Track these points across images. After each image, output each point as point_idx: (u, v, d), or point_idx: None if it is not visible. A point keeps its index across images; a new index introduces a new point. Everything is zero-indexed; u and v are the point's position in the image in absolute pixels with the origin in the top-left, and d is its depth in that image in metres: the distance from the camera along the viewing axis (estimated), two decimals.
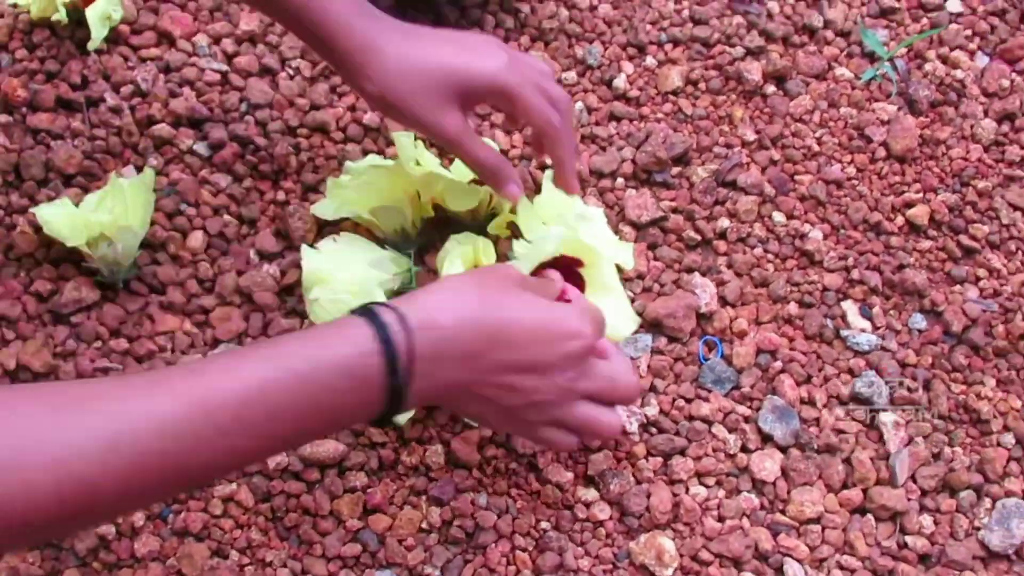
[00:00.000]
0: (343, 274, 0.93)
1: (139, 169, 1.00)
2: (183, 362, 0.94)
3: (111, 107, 1.02)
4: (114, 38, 1.05)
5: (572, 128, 0.89)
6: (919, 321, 1.01)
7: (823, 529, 0.93)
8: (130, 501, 0.63)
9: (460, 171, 0.98)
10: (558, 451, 0.90)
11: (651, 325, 0.98)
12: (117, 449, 0.58)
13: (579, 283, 0.90)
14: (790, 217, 1.04)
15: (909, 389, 0.98)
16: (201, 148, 1.02)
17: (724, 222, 1.02)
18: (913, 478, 0.96)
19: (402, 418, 0.91)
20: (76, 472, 0.57)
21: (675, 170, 1.04)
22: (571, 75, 1.07)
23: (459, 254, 0.91)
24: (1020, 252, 1.04)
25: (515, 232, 0.94)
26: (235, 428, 0.62)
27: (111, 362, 0.94)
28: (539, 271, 0.88)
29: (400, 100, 0.83)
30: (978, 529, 0.95)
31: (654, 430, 0.95)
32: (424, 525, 0.92)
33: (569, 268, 0.90)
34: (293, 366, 0.65)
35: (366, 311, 0.69)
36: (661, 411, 0.96)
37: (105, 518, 0.60)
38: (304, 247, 0.94)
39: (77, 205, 0.95)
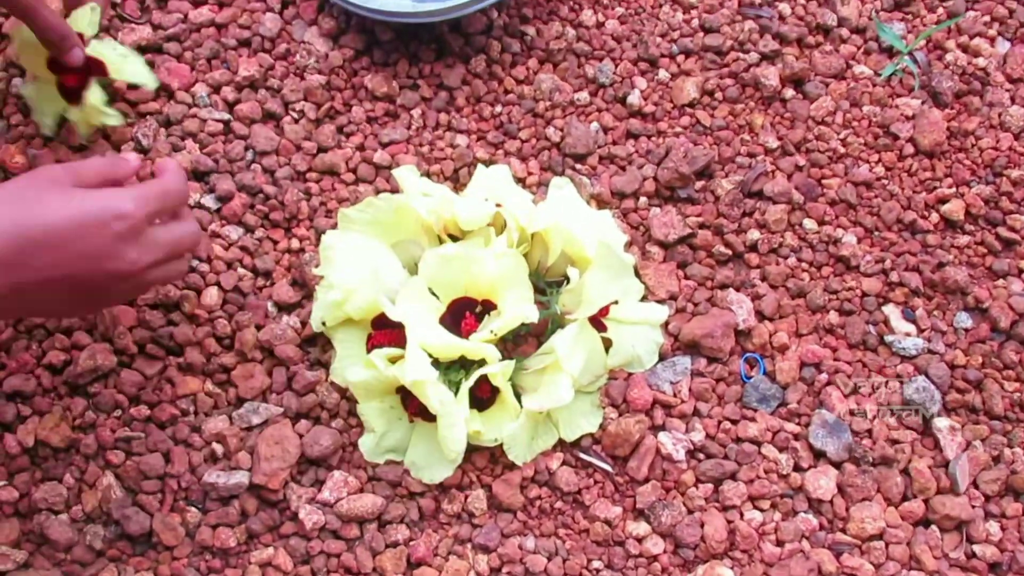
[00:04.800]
0: (350, 264, 0.91)
1: None
2: (207, 426, 0.91)
3: None
4: (111, 94, 1.01)
5: None
6: (965, 320, 0.98)
7: (887, 545, 0.90)
8: None
9: (470, 195, 0.96)
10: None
11: (688, 347, 0.95)
12: None
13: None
14: (821, 223, 1.00)
15: (961, 391, 0.94)
16: (209, 201, 0.98)
17: (754, 234, 0.99)
18: (975, 484, 0.92)
19: (440, 474, 0.89)
20: None
21: (699, 184, 1.01)
22: (583, 95, 1.04)
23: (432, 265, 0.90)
24: None
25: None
26: None
27: (133, 431, 0.90)
28: None
29: None
30: None
31: (702, 455, 0.92)
32: (472, 575, 0.88)
33: None
34: None
35: None
36: (707, 435, 0.92)
37: None
38: (329, 231, 0.95)
39: None
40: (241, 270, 0.97)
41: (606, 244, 0.92)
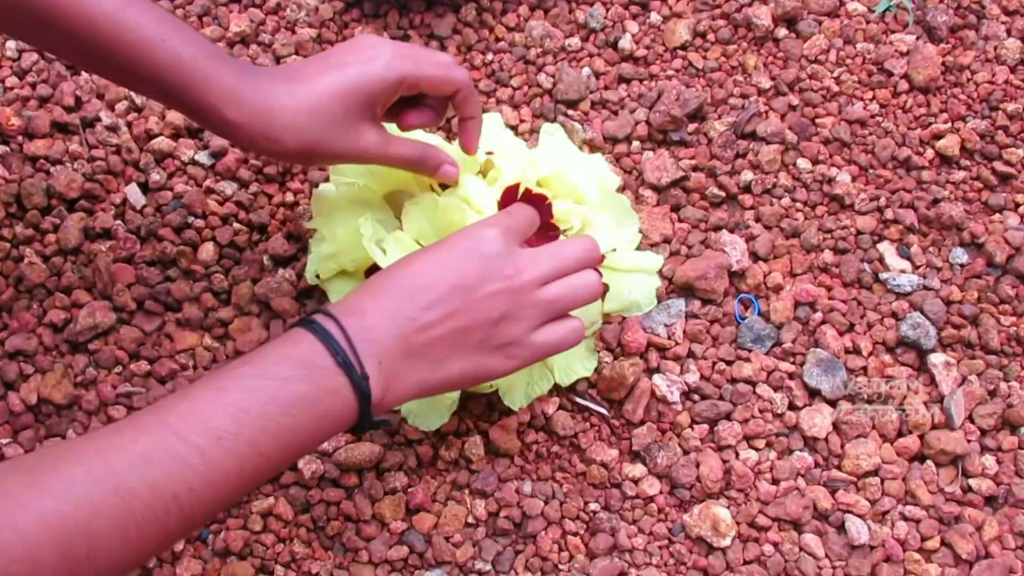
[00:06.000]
0: (343, 215, 0.91)
1: (143, 186, 0.97)
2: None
3: (107, 125, 0.99)
4: None
5: (476, 94, 0.85)
6: (960, 255, 0.97)
7: (882, 481, 0.90)
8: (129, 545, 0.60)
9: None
10: (564, 348, 0.80)
11: (683, 289, 0.95)
12: (104, 494, 0.57)
13: (549, 219, 0.89)
14: (815, 162, 1.00)
15: (956, 327, 0.94)
16: (203, 157, 0.99)
17: (747, 175, 0.98)
18: (970, 418, 0.92)
19: (436, 421, 0.90)
20: (70, 519, 0.56)
21: (691, 127, 1.01)
22: (575, 41, 1.03)
23: (415, 217, 0.89)
24: None
25: None
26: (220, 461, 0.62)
27: (133, 386, 0.92)
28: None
29: (315, 146, 0.77)
30: None
31: (696, 397, 0.92)
32: (470, 519, 0.89)
33: (538, 205, 0.88)
34: (256, 396, 0.64)
35: (307, 322, 0.70)
36: (702, 376, 0.93)
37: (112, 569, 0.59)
38: (321, 184, 0.95)
39: (84, 228, 0.93)
40: (236, 225, 0.97)
41: (613, 193, 0.92)
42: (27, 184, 0.96)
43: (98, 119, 1.00)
